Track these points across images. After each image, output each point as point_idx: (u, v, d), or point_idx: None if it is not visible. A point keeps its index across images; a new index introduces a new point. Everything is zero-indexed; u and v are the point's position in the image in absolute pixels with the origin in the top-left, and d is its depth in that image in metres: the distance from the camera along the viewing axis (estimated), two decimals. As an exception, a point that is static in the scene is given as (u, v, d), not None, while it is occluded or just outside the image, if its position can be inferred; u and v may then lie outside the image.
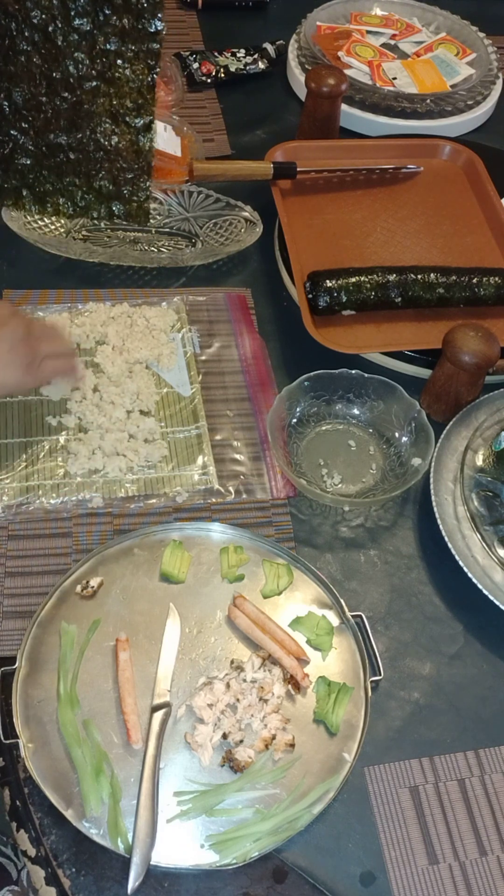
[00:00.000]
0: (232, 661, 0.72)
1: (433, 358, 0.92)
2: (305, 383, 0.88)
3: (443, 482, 0.84)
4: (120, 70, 0.74)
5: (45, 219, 1.02)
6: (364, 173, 1.14)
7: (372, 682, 0.72)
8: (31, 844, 0.65)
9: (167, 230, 1.06)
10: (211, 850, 0.63)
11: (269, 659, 0.72)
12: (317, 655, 0.74)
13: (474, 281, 0.98)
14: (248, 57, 1.32)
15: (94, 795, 0.64)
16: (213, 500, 0.84)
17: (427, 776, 0.70)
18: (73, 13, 0.71)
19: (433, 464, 0.84)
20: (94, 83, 0.74)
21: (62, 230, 1.03)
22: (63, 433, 0.86)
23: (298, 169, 1.08)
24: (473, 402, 0.89)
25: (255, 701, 0.69)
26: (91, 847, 0.64)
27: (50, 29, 0.72)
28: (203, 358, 0.96)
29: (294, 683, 0.71)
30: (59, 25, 0.71)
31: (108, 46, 0.72)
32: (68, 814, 0.64)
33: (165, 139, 1.09)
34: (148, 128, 0.78)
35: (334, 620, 0.75)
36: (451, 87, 1.29)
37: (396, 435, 0.89)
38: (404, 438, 0.88)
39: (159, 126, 1.09)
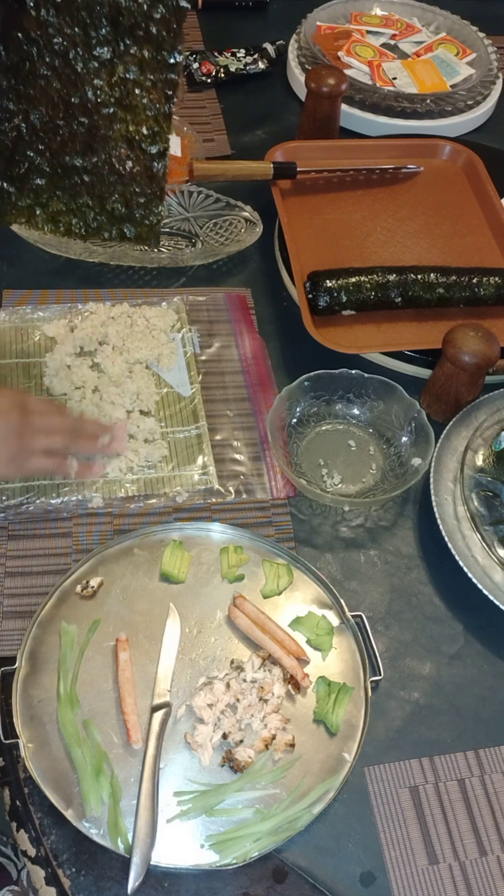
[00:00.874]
0: (232, 661, 0.72)
1: (433, 358, 0.92)
2: (305, 383, 0.88)
3: (443, 482, 0.84)
4: (137, 98, 0.75)
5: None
6: (364, 173, 1.14)
7: (372, 682, 0.72)
8: (31, 844, 0.65)
9: (167, 230, 1.06)
10: (211, 850, 0.63)
11: (269, 659, 0.72)
12: (317, 655, 0.74)
13: (474, 281, 0.98)
14: (248, 57, 1.32)
15: (94, 795, 0.64)
16: (213, 500, 0.84)
17: (427, 776, 0.70)
18: (94, 41, 0.72)
19: (433, 464, 0.84)
20: (112, 109, 0.75)
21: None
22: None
23: (298, 169, 1.08)
24: (473, 402, 0.89)
25: (255, 701, 0.69)
26: (91, 847, 0.64)
27: (70, 55, 0.72)
28: (203, 358, 0.96)
29: (294, 683, 0.71)
30: (80, 53, 0.72)
31: (127, 75, 0.73)
32: (68, 814, 0.64)
33: (165, 139, 1.09)
34: (163, 155, 0.78)
35: (334, 620, 0.75)
36: (451, 87, 1.29)
37: (396, 435, 0.89)
38: (404, 438, 0.88)
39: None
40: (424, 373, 0.94)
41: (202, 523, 0.81)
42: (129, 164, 0.77)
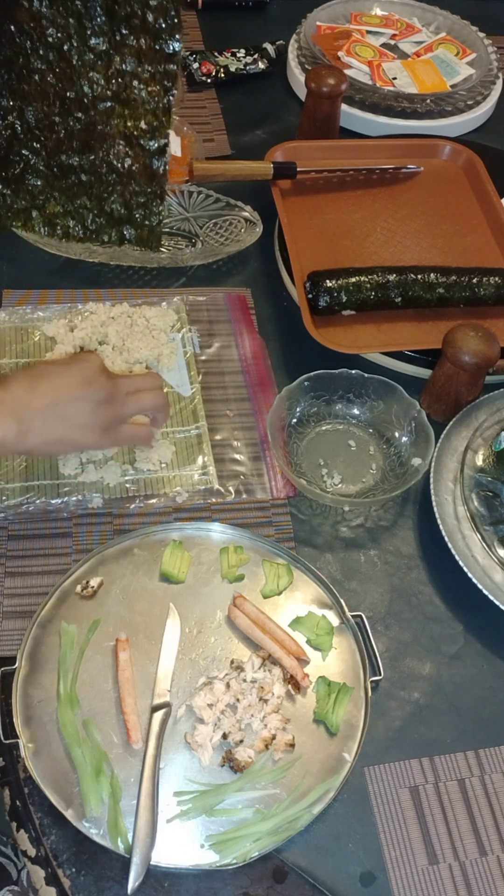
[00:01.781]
0: (232, 661, 0.72)
1: (433, 358, 0.92)
2: (305, 383, 0.88)
3: (443, 482, 0.84)
4: (135, 91, 0.72)
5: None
6: (364, 173, 1.14)
7: (372, 682, 0.72)
8: (31, 844, 0.65)
9: (167, 230, 1.06)
10: (211, 850, 0.63)
11: (269, 659, 0.72)
12: (317, 655, 0.74)
13: (474, 281, 0.98)
14: (248, 57, 1.32)
15: (94, 795, 0.64)
16: (213, 500, 0.84)
17: (427, 776, 0.70)
18: (89, 32, 0.69)
19: (433, 464, 0.84)
20: (109, 104, 0.72)
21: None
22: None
23: (298, 169, 1.08)
24: (473, 402, 0.89)
25: (255, 701, 0.69)
26: (91, 847, 0.64)
27: (65, 48, 0.70)
28: (203, 358, 0.96)
29: (294, 683, 0.71)
30: (75, 44, 0.70)
31: (124, 67, 0.71)
32: (68, 814, 0.64)
33: (165, 139, 1.09)
34: (162, 151, 0.76)
35: (334, 620, 0.75)
36: (451, 87, 1.29)
37: (396, 435, 0.89)
38: (404, 438, 0.88)
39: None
40: (424, 373, 0.94)
41: (202, 523, 0.81)
42: (128, 161, 0.75)
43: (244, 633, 0.74)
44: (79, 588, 0.75)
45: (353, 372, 0.89)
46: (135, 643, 0.73)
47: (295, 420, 0.90)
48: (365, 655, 0.73)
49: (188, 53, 1.31)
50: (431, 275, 0.97)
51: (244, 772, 0.66)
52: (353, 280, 0.95)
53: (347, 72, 1.25)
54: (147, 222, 0.80)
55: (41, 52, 0.70)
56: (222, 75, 1.30)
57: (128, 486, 0.83)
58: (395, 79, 1.29)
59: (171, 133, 1.09)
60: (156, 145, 0.75)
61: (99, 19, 0.69)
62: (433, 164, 1.17)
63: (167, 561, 0.77)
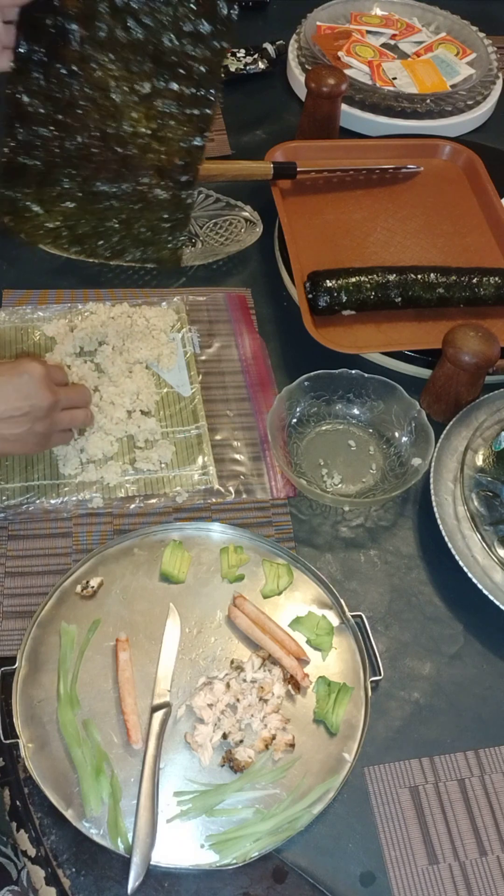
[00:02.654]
0: (232, 661, 0.72)
1: (433, 358, 0.92)
2: (305, 383, 0.88)
3: (443, 482, 0.84)
4: (172, 130, 0.76)
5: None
6: (364, 173, 1.14)
7: (372, 682, 0.72)
8: (31, 844, 0.65)
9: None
10: (211, 850, 0.63)
11: (269, 659, 0.72)
12: (317, 655, 0.74)
13: (474, 281, 0.98)
14: (248, 57, 1.32)
15: (94, 795, 0.64)
16: (213, 500, 0.84)
17: (427, 776, 0.70)
18: (135, 76, 0.73)
19: (433, 464, 0.84)
20: (146, 140, 0.76)
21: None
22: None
23: (298, 169, 1.08)
24: (473, 402, 0.89)
25: (255, 701, 0.69)
26: (91, 847, 0.64)
27: (110, 88, 0.73)
28: (203, 358, 0.96)
29: (294, 683, 0.71)
30: (120, 86, 0.73)
31: (163, 108, 0.74)
32: (68, 814, 0.64)
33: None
34: (191, 184, 0.80)
35: (334, 620, 0.75)
36: (451, 87, 1.29)
37: (396, 435, 0.89)
38: (404, 438, 0.88)
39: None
40: (424, 373, 0.94)
41: (202, 523, 0.81)
42: (158, 191, 0.78)
43: (244, 633, 0.74)
44: (79, 588, 0.75)
45: (353, 372, 0.89)
46: (135, 643, 0.73)
47: (295, 420, 0.90)
48: (365, 655, 0.73)
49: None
50: (431, 275, 0.97)
51: (244, 772, 0.66)
52: (353, 280, 0.95)
53: (347, 72, 1.25)
54: (170, 245, 0.82)
55: (87, 90, 0.74)
56: (222, 75, 1.29)
57: (128, 486, 0.83)
58: (395, 79, 1.29)
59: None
60: (185, 178, 0.79)
61: (145, 66, 0.73)
62: (433, 164, 1.17)
63: (167, 561, 0.77)
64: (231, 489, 0.85)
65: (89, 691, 0.70)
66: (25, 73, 0.72)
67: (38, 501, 0.81)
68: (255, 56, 1.32)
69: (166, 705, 0.69)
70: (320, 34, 1.33)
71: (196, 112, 0.75)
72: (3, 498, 0.81)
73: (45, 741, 0.67)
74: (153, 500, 0.83)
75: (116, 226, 0.81)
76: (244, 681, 0.70)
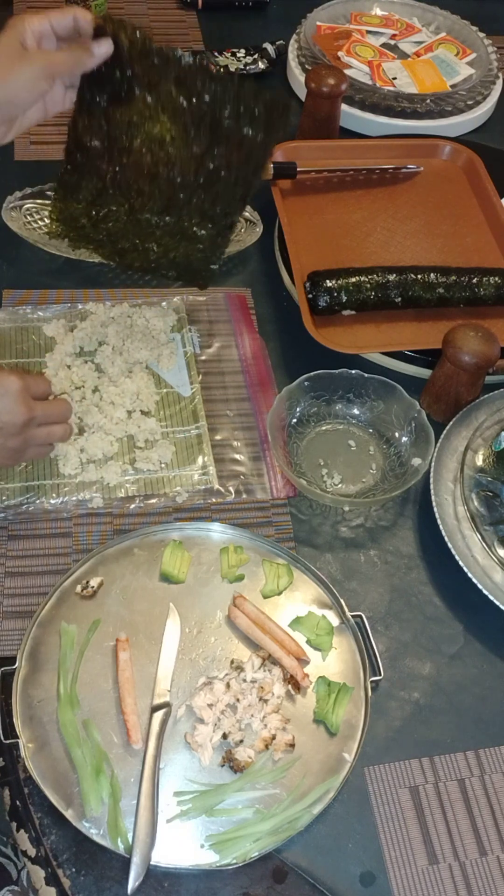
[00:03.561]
0: (232, 661, 0.72)
1: (433, 358, 0.92)
2: (305, 383, 0.88)
3: (443, 482, 0.84)
4: (220, 185, 0.81)
5: (45, 219, 1.02)
6: (364, 173, 1.14)
7: (372, 682, 0.72)
8: (31, 844, 0.65)
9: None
10: (211, 850, 0.63)
11: (269, 659, 0.72)
12: (317, 655, 0.74)
13: (474, 281, 0.98)
14: (248, 57, 1.32)
15: (94, 795, 0.64)
16: (213, 500, 0.84)
17: (427, 776, 0.70)
18: (190, 137, 0.79)
19: (433, 464, 0.84)
20: (193, 189, 0.82)
21: (62, 230, 1.03)
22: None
23: (298, 169, 1.08)
24: (473, 402, 0.89)
25: (255, 701, 0.69)
26: (91, 847, 0.64)
27: (167, 141, 0.79)
28: (203, 358, 0.96)
29: (294, 683, 0.71)
30: (176, 142, 0.79)
31: (211, 166, 0.80)
32: (68, 814, 0.64)
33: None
34: (231, 227, 0.85)
35: (334, 620, 0.75)
36: (451, 87, 1.29)
37: (396, 435, 0.89)
38: (404, 438, 0.88)
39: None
40: (424, 373, 0.94)
41: (202, 523, 0.81)
42: (198, 229, 0.84)
43: (244, 633, 0.74)
44: (79, 588, 0.75)
45: (353, 372, 0.89)
46: (135, 643, 0.73)
47: (295, 420, 0.90)
48: (365, 655, 0.73)
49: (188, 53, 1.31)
50: (431, 275, 0.97)
51: (244, 772, 0.66)
52: (353, 280, 0.95)
53: (347, 72, 1.25)
54: (203, 273, 0.88)
55: (143, 139, 0.79)
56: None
57: (128, 486, 0.83)
58: (395, 79, 1.29)
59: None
60: (226, 222, 0.84)
61: (201, 132, 0.78)
62: (433, 164, 1.17)
63: (167, 561, 0.77)
64: (231, 489, 0.85)
65: (89, 691, 0.70)
66: (87, 113, 0.78)
67: (38, 501, 0.81)
68: (255, 56, 1.32)
69: (166, 705, 0.69)
70: (320, 34, 1.33)
71: (244, 173, 0.80)
72: (3, 498, 0.81)
73: (45, 741, 0.67)
74: (153, 500, 0.83)
75: (155, 248, 0.85)
76: (244, 681, 0.70)
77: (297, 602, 0.77)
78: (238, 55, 1.32)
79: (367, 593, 0.80)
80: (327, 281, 0.94)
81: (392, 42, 1.37)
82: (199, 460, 0.86)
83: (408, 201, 1.13)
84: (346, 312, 0.96)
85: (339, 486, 0.86)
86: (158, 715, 0.68)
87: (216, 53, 1.31)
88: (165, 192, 0.82)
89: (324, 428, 0.91)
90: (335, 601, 0.76)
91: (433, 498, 0.82)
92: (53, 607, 0.74)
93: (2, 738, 0.67)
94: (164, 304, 0.99)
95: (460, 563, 0.78)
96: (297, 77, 1.28)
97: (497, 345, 0.85)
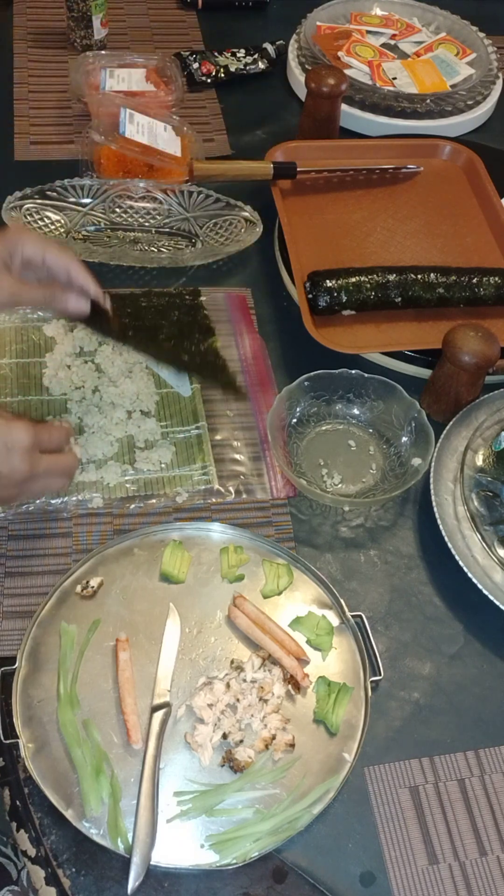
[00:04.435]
0: (232, 661, 0.72)
1: (433, 358, 0.92)
2: (305, 383, 0.88)
3: (443, 482, 0.84)
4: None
5: (45, 219, 1.02)
6: (364, 173, 1.14)
7: (372, 682, 0.72)
8: (31, 844, 0.65)
9: (167, 230, 1.06)
10: (211, 850, 0.63)
11: (269, 659, 0.72)
12: (317, 655, 0.74)
13: (474, 281, 0.98)
14: (248, 57, 1.32)
15: (94, 795, 0.64)
16: (213, 500, 0.84)
17: (427, 776, 0.70)
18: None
19: (433, 464, 0.84)
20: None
21: (62, 230, 1.03)
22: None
23: (298, 169, 1.08)
24: (473, 402, 0.89)
25: (255, 701, 0.69)
26: (91, 847, 0.64)
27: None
28: (203, 358, 0.95)
29: (294, 683, 0.71)
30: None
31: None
32: (68, 814, 0.64)
33: (165, 139, 1.09)
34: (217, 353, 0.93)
35: (334, 620, 0.75)
36: (451, 87, 1.29)
37: (396, 435, 0.89)
38: (404, 438, 0.88)
39: (159, 126, 1.09)
40: (424, 373, 0.94)
41: (202, 523, 0.81)
42: (187, 343, 0.92)
43: (244, 633, 0.74)
44: (79, 588, 0.75)
45: (353, 372, 0.89)
46: (135, 643, 0.73)
47: (295, 420, 0.90)
48: (365, 655, 0.73)
49: (188, 53, 1.31)
50: (431, 275, 0.97)
51: (244, 772, 0.66)
52: (353, 280, 0.95)
53: (347, 72, 1.25)
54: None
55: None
56: (222, 75, 1.30)
57: (128, 486, 0.83)
58: (395, 79, 1.29)
59: (172, 133, 1.09)
60: (208, 343, 0.93)
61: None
62: (433, 164, 1.17)
63: (167, 561, 0.77)
64: (231, 489, 0.85)
65: (89, 691, 0.70)
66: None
67: (38, 501, 0.81)
68: (255, 56, 1.32)
69: (166, 705, 0.69)
70: (320, 34, 1.33)
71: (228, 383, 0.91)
72: (3, 498, 0.81)
73: (45, 741, 0.67)
74: (153, 501, 0.83)
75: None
76: (244, 681, 0.70)
77: (297, 602, 0.77)
78: (238, 55, 1.32)
79: (367, 593, 0.80)
80: (327, 281, 0.94)
81: (392, 42, 1.37)
82: (199, 460, 0.86)
83: (408, 201, 1.13)
84: (346, 312, 0.96)
85: (339, 486, 0.86)
86: (158, 715, 0.68)
87: (216, 53, 1.31)
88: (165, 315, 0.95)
89: (324, 428, 0.91)
90: (335, 601, 0.76)
91: (433, 498, 0.82)
92: (53, 607, 0.74)
93: (2, 738, 0.67)
94: (164, 304, 0.98)
95: (460, 563, 0.78)
96: (297, 77, 1.28)
97: (497, 345, 0.85)
